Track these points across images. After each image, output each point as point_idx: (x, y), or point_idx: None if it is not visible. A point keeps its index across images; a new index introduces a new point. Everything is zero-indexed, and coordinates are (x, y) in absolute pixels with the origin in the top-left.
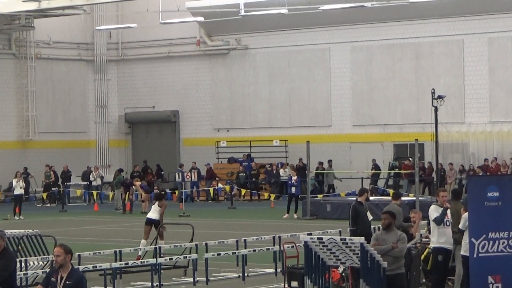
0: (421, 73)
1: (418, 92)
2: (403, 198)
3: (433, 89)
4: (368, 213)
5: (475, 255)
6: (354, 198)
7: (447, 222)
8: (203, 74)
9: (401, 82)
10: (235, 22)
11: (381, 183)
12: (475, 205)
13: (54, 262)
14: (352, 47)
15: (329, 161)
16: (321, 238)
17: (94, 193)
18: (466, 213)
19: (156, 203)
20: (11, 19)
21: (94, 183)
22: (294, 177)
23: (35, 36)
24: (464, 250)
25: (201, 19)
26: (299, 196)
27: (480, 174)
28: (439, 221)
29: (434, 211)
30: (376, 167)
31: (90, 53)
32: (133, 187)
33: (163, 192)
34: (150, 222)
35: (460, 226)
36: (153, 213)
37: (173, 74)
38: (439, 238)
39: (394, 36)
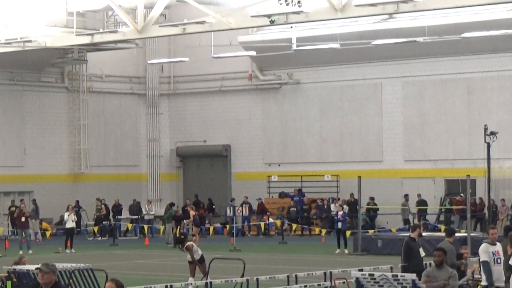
0: (473, 108)
1: (470, 127)
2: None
3: (485, 125)
4: (421, 250)
5: None
6: (406, 234)
7: (498, 260)
8: (254, 108)
9: (453, 117)
10: (287, 56)
11: (431, 219)
12: None
13: None
14: (404, 82)
15: (405, 196)
16: (373, 274)
17: (145, 226)
18: None
19: (183, 249)
20: (64, 52)
21: (146, 217)
22: (340, 212)
23: (87, 70)
24: None
25: (253, 53)
26: (346, 231)
27: None
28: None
29: (484, 251)
30: (422, 202)
31: (142, 87)
32: (184, 221)
33: (182, 236)
34: (191, 263)
35: (510, 262)
36: (188, 257)
37: (224, 108)
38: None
39: (446, 71)
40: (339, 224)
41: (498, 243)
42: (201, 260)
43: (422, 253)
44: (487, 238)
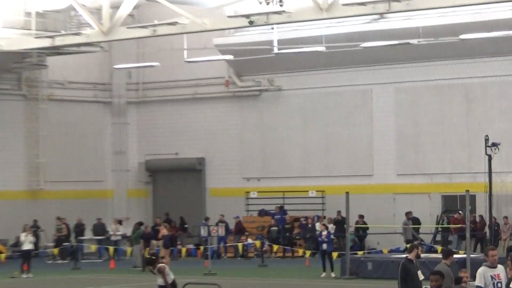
0: (472, 116)
1: (469, 138)
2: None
3: (486, 135)
4: (419, 272)
5: None
6: (399, 256)
7: (499, 284)
8: (231, 118)
9: (450, 126)
10: (267, 60)
11: (426, 238)
12: None
13: None
14: (396, 88)
15: (408, 213)
16: None
17: (111, 248)
18: None
19: (154, 271)
20: (22, 57)
21: (113, 238)
22: (325, 232)
23: (47, 76)
24: None
25: (230, 57)
26: (332, 252)
27: None
28: None
29: (481, 276)
30: (414, 220)
31: (108, 94)
32: (153, 241)
33: (153, 257)
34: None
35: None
36: (159, 281)
37: (198, 118)
38: None
39: (443, 76)
40: (324, 245)
41: (499, 266)
42: (173, 285)
43: (421, 276)
44: (486, 262)
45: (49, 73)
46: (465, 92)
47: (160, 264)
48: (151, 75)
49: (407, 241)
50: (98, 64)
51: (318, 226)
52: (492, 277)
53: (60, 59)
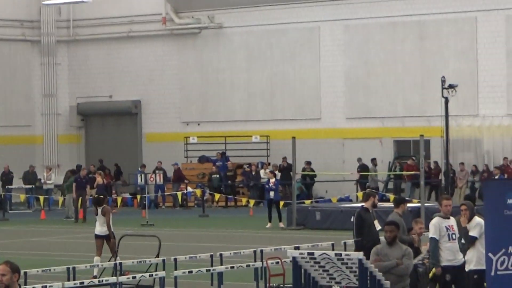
0: (427, 56)
1: (423, 79)
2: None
3: (443, 76)
4: (376, 222)
5: (492, 273)
6: (348, 205)
7: (453, 236)
8: (169, 58)
9: (403, 67)
10: None
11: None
12: (493, 214)
13: None
14: (346, 25)
15: (373, 160)
16: (312, 253)
17: (41, 198)
18: (480, 219)
19: (99, 211)
20: None
21: (44, 187)
22: (272, 180)
23: None
24: (475, 264)
25: None
26: (279, 201)
27: (497, 176)
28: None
29: (435, 227)
30: (362, 167)
31: (36, 33)
32: (88, 189)
33: (101, 196)
34: (99, 237)
35: (473, 233)
36: (100, 226)
37: (134, 58)
38: (445, 255)
39: (395, 13)
40: (271, 194)
41: (451, 218)
42: (111, 236)
43: (378, 226)
44: (440, 210)
45: None
46: (418, 30)
47: (106, 206)
48: (83, 11)
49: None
50: (25, 0)
51: (262, 173)
52: (446, 228)
53: None
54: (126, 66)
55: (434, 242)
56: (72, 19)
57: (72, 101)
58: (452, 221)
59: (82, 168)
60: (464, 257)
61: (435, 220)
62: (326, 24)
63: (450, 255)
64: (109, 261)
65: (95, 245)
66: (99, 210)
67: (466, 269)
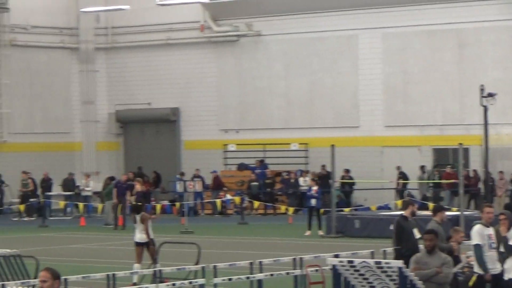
0: (465, 64)
1: (462, 87)
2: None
3: (482, 85)
4: (415, 230)
5: None
6: (387, 213)
7: (492, 244)
8: (208, 65)
9: (441, 75)
10: (245, 3)
11: (416, 195)
12: None
13: None
14: (384, 33)
15: (422, 167)
16: (352, 262)
17: (81, 205)
18: None
19: (138, 218)
20: None
21: (83, 194)
22: (315, 187)
23: (9, 20)
24: None
25: (206, 0)
26: (320, 209)
27: None
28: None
29: (479, 234)
30: (403, 176)
31: (75, 40)
32: (128, 196)
33: (139, 203)
34: (140, 245)
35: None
36: (140, 234)
37: (172, 65)
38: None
39: (434, 21)
40: (313, 201)
41: (491, 227)
42: (152, 242)
43: (417, 235)
44: (481, 218)
45: (11, 16)
46: (457, 38)
47: (145, 213)
48: (121, 18)
49: (423, 197)
50: (64, 7)
51: (301, 181)
52: (488, 236)
53: (23, 1)
54: (165, 74)
55: (480, 249)
56: (111, 26)
57: (110, 108)
58: (491, 230)
59: (123, 174)
60: (502, 265)
61: (478, 228)
62: (364, 32)
63: (490, 264)
64: (148, 268)
65: (135, 252)
66: (138, 217)
67: (506, 278)
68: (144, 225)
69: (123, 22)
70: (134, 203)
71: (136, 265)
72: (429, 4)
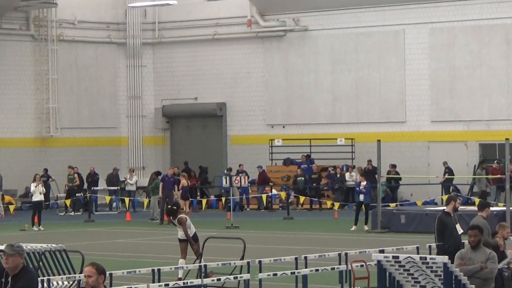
0: None
1: (509, 82)
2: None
3: None
4: (458, 226)
5: None
6: (433, 208)
7: None
8: (254, 60)
9: (489, 70)
10: None
11: (463, 190)
12: None
13: (85, 283)
14: (431, 28)
15: (482, 162)
16: (397, 257)
17: (126, 200)
18: None
19: (175, 222)
20: None
21: (127, 188)
22: (363, 183)
23: (57, 15)
24: None
25: None
26: (369, 204)
27: None
28: None
29: None
30: (449, 171)
31: (122, 35)
32: (175, 191)
33: (174, 207)
34: (183, 241)
35: None
36: (181, 232)
37: (219, 60)
38: None
39: (481, 16)
40: (361, 197)
41: None
42: (195, 238)
43: (460, 230)
44: None
45: (59, 11)
46: (505, 33)
47: (182, 215)
48: (168, 14)
49: (481, 193)
50: (112, 2)
51: (347, 176)
52: None
53: None
54: (211, 69)
55: None
56: (158, 21)
57: (157, 103)
58: None
59: (170, 167)
60: None
61: None
62: (411, 27)
63: None
64: (194, 263)
65: (180, 248)
66: (175, 221)
67: None
68: (183, 227)
69: (170, 17)
70: (169, 207)
71: (181, 260)
72: None
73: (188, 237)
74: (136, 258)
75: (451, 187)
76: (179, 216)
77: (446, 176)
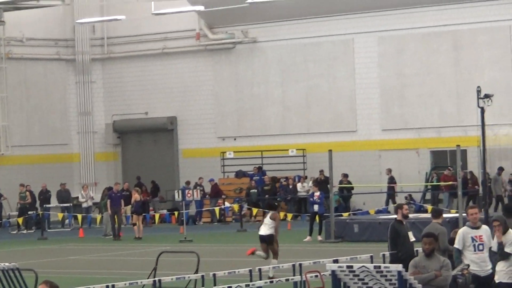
0: (461, 66)
1: (458, 89)
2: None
3: (478, 86)
4: (410, 234)
5: None
6: (386, 217)
7: (480, 246)
8: (204, 73)
9: (438, 77)
10: (241, 10)
11: (415, 197)
12: None
13: None
14: (380, 37)
15: (500, 168)
16: (351, 266)
17: (79, 216)
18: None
19: (268, 215)
20: None
21: (84, 205)
22: (317, 193)
23: (5, 33)
24: (508, 277)
25: (201, 8)
26: (323, 214)
27: None
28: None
29: (460, 238)
30: (391, 179)
31: (71, 51)
32: (123, 207)
33: (275, 203)
34: (263, 239)
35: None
36: (265, 227)
37: (169, 74)
38: (471, 266)
39: (429, 24)
40: (316, 207)
41: (484, 226)
42: (274, 240)
43: (412, 238)
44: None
45: (7, 29)
46: (453, 40)
47: (275, 213)
48: (117, 29)
49: (497, 198)
50: (59, 19)
51: (299, 186)
52: (472, 239)
53: (18, 14)
54: (161, 83)
55: (456, 252)
56: (106, 37)
57: (108, 119)
58: (482, 231)
59: (115, 183)
60: (494, 267)
61: (462, 230)
62: (359, 36)
63: (475, 266)
64: (148, 278)
65: (261, 247)
66: (269, 214)
67: (496, 281)
68: (275, 223)
69: (118, 33)
70: (271, 201)
71: (274, 261)
72: (424, 6)
73: (277, 233)
74: (90, 275)
75: (406, 195)
76: (273, 212)
77: (399, 184)
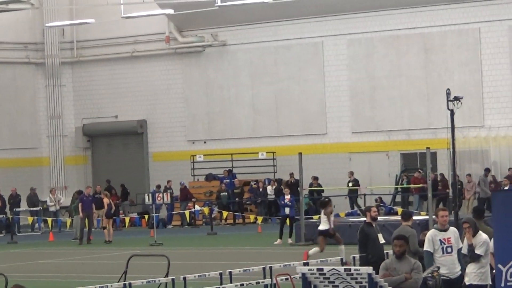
0: (431, 68)
1: (428, 91)
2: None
3: (448, 89)
4: (380, 236)
5: (502, 284)
6: (356, 219)
7: (448, 249)
8: (174, 76)
9: (408, 79)
10: (210, 14)
11: (386, 200)
12: (502, 226)
13: None
14: (349, 39)
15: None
16: (322, 269)
17: (49, 220)
18: (485, 236)
19: (322, 212)
20: None
21: (52, 209)
22: (288, 196)
23: None
24: (478, 279)
25: (171, 11)
26: (294, 217)
27: (507, 187)
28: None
29: (429, 241)
30: (355, 182)
31: (40, 55)
32: (94, 211)
33: (326, 199)
34: (320, 233)
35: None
36: (322, 223)
37: (138, 78)
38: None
39: (399, 26)
40: (287, 210)
41: (451, 228)
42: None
43: (382, 240)
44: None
45: None
46: (422, 42)
47: (326, 209)
48: (86, 33)
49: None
50: (29, 23)
51: (269, 189)
52: (441, 241)
53: None
54: (131, 86)
55: (428, 255)
56: (76, 40)
57: (77, 122)
58: (450, 233)
59: (86, 187)
60: (464, 269)
61: (431, 233)
62: (329, 39)
63: (444, 269)
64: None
65: (320, 241)
66: (323, 211)
67: (467, 283)
68: (327, 218)
69: (88, 36)
70: (323, 199)
71: (341, 247)
72: (394, 9)
73: (330, 228)
74: (60, 279)
75: (376, 197)
76: (324, 209)
77: (371, 187)
